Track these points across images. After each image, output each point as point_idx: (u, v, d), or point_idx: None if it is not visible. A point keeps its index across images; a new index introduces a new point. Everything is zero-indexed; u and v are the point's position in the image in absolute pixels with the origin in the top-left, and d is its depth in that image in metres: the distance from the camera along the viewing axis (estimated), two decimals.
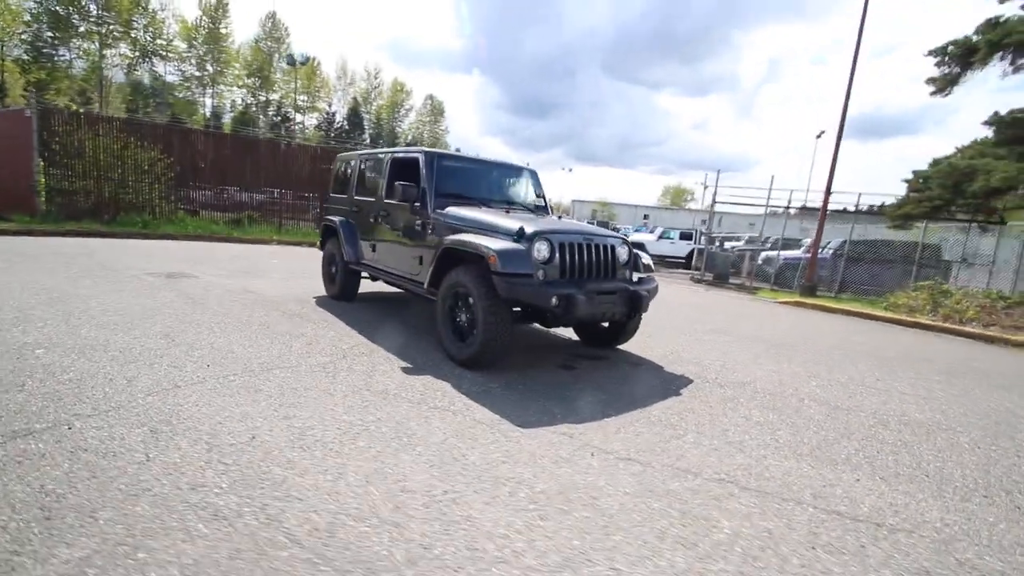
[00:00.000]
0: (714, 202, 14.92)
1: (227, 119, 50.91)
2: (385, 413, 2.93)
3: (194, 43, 45.84)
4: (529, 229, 3.75)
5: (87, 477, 2.03)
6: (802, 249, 15.75)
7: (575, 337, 5.20)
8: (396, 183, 4.57)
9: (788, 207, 14.70)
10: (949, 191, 9.73)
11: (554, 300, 3.49)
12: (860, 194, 15.17)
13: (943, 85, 9.97)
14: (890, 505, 2.40)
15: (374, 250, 5.36)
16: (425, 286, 4.33)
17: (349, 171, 6.07)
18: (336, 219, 6.04)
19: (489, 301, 3.62)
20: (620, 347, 4.93)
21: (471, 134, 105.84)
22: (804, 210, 18.95)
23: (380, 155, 5.48)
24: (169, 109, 43.97)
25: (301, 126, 55.35)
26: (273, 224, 14.63)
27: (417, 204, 4.57)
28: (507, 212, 4.54)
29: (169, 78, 46.59)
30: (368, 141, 59.63)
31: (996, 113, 8.87)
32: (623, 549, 1.89)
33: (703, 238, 16.10)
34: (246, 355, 3.75)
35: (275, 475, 2.17)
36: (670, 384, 3.99)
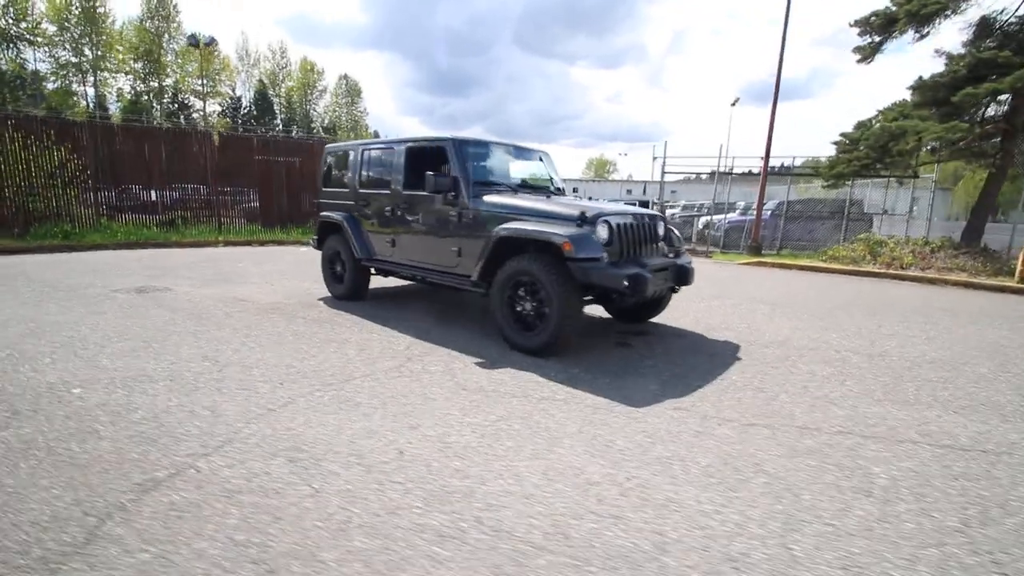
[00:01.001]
0: (663, 172, 15.57)
1: (115, 109, 45.41)
2: (502, 410, 2.89)
3: (66, 25, 40.09)
4: (589, 213, 3.77)
5: (271, 520, 1.86)
6: (737, 212, 16.89)
7: (603, 315, 5.32)
8: (428, 174, 4.38)
9: (731, 172, 15.60)
10: (877, 151, 10.79)
11: (625, 281, 3.56)
12: (794, 157, 16.35)
13: (868, 53, 10.98)
14: (978, 433, 2.75)
15: (393, 245, 5.13)
16: (474, 278, 4.23)
17: (347, 163, 5.71)
18: (337, 215, 5.69)
19: (563, 287, 3.63)
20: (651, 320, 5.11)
21: (387, 114, 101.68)
22: (724, 174, 20.25)
23: (390, 145, 5.20)
24: (44, 101, 38.41)
25: (202, 114, 50.58)
26: (211, 224, 13.44)
27: (451, 194, 4.41)
28: (548, 197, 4.51)
29: (40, 66, 40.62)
30: (280, 127, 55.76)
31: (920, 78, 9.93)
32: (820, 506, 2.04)
33: (655, 208, 16.79)
34: (310, 368, 3.52)
35: (457, 487, 2.10)
36: (724, 350, 4.22)
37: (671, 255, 4.54)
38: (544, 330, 3.76)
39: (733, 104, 35.64)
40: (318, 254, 6.20)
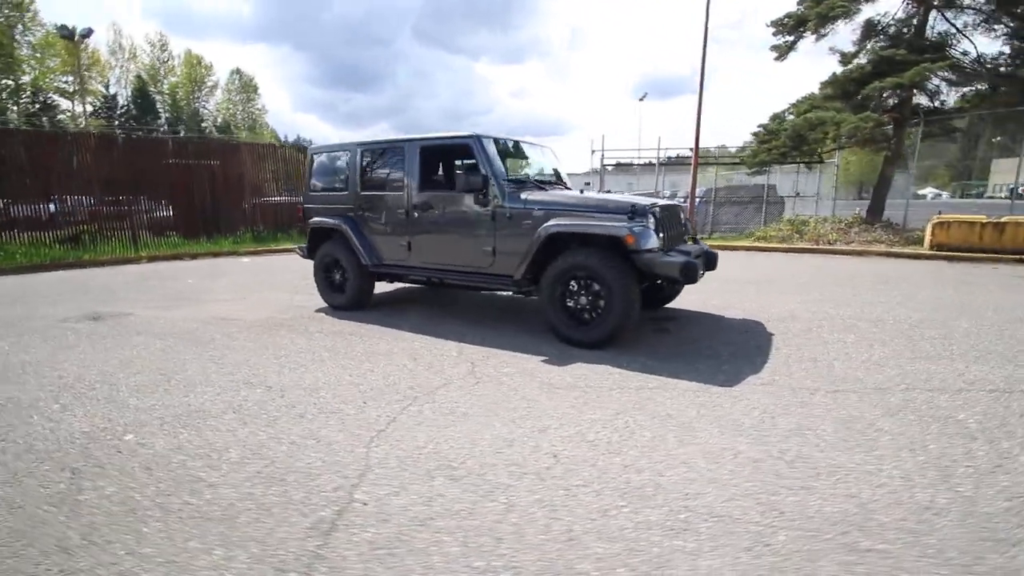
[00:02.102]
0: (603, 165, 16.19)
1: None
2: (612, 404, 2.91)
3: None
4: (639, 205, 3.87)
5: (494, 542, 1.75)
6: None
7: None
8: (459, 173, 4.24)
9: (672, 159, 16.56)
10: (795, 140, 12.02)
11: (679, 270, 3.71)
12: (723, 145, 17.65)
13: (783, 51, 12.16)
14: (1007, 378, 3.21)
15: (409, 249, 4.90)
16: (516, 277, 4.18)
17: (342, 165, 5.34)
18: (334, 220, 5.32)
19: (624, 280, 3.70)
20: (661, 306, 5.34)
21: (282, 111, 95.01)
22: (662, 164, 21.56)
23: (396, 144, 4.93)
24: None
25: (70, 114, 44.38)
26: (123, 239, 11.85)
27: (483, 193, 4.31)
28: (581, 192, 4.54)
29: None
30: (165, 126, 50.38)
31: (834, 74, 11.22)
32: (949, 453, 2.30)
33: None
34: (378, 384, 3.30)
35: (642, 481, 2.11)
36: (752, 328, 4.52)
37: (690, 242, 4.79)
38: (603, 323, 3.81)
39: (641, 99, 37.78)
40: (283, 262, 5.80)
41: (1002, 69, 11.13)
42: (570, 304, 4.00)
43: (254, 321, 5.06)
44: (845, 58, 12.85)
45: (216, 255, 11.40)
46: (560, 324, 4.02)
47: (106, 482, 2.16)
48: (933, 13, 11.40)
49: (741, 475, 2.14)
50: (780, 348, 3.88)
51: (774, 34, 12.28)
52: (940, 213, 10.08)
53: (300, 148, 14.63)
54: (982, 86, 11.41)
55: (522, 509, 1.93)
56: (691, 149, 14.38)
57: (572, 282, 3.93)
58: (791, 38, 11.99)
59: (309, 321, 5.04)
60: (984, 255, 8.38)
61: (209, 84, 54.90)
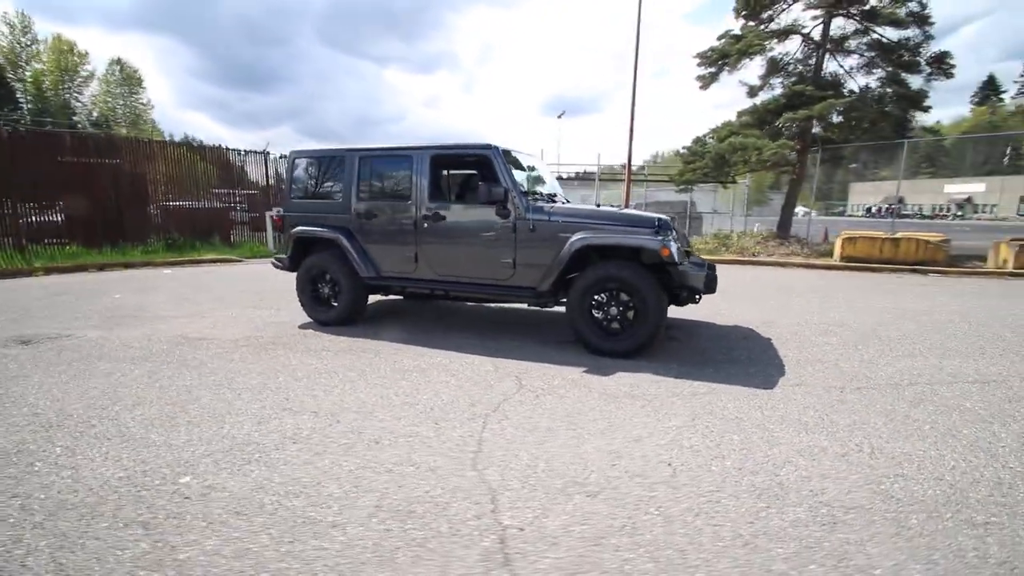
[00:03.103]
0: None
1: None
2: (681, 411, 3.01)
3: None
4: (661, 219, 4.06)
5: (678, 555, 1.76)
6: None
7: None
8: (482, 184, 4.17)
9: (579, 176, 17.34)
10: (718, 161, 13.21)
11: (704, 281, 3.95)
12: (645, 164, 18.83)
13: (707, 82, 13.36)
14: (977, 371, 3.78)
15: (416, 261, 4.70)
16: (542, 288, 4.18)
17: (334, 171, 5.00)
18: (324, 230, 4.97)
19: (656, 291, 3.85)
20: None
21: (165, 107, 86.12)
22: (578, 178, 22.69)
23: (404, 152, 4.72)
24: None
25: None
26: (2, 248, 10.06)
27: (503, 204, 4.27)
28: (598, 205, 4.65)
29: None
30: (27, 117, 43.59)
31: (754, 105, 12.52)
32: (1003, 435, 2.68)
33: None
34: (431, 403, 3.14)
35: (766, 483, 2.22)
36: (750, 335, 4.88)
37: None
38: (636, 333, 3.94)
39: (559, 116, 39.43)
40: (214, 275, 5.37)
41: (881, 106, 13.10)
42: (597, 315, 4.08)
43: (235, 340, 4.57)
44: (752, 91, 14.45)
45: (128, 266, 10.07)
46: (590, 335, 4.08)
47: (199, 535, 1.86)
48: (827, 56, 13.17)
49: (841, 468, 2.34)
50: (784, 352, 4.26)
51: (698, 65, 13.45)
52: (827, 230, 11.63)
53: (194, 147, 13.31)
54: (864, 122, 13.34)
55: (680, 519, 1.96)
56: (621, 165, 15.26)
57: (602, 294, 4.02)
58: (714, 70, 13.20)
59: (301, 338, 4.64)
60: (885, 266, 9.79)
61: (83, 74, 48.47)
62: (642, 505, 2.05)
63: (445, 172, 4.74)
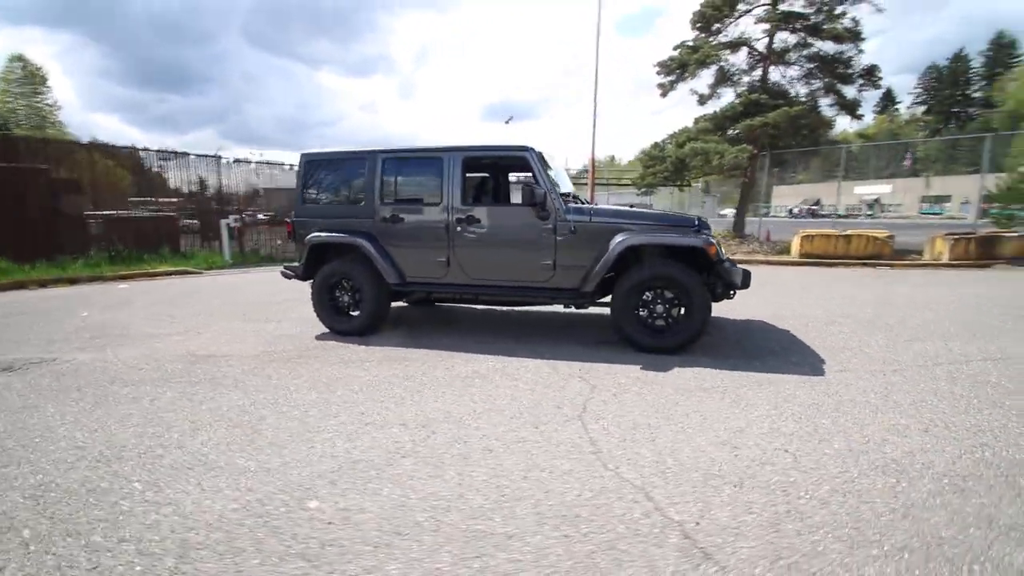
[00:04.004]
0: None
1: None
2: (757, 401, 3.12)
3: None
4: (700, 219, 4.21)
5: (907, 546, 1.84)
6: None
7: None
8: (524, 186, 4.15)
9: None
10: (677, 166, 13.86)
11: (742, 277, 4.14)
12: (605, 167, 19.29)
13: (667, 89, 13.99)
14: (980, 351, 4.19)
15: (448, 265, 4.59)
16: (587, 289, 4.20)
17: (354, 175, 4.78)
18: (345, 236, 4.74)
19: (703, 289, 3.99)
20: None
21: (72, 109, 78.59)
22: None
23: (431, 152, 4.59)
24: None
25: None
26: None
27: (543, 207, 4.26)
28: (631, 206, 4.73)
29: None
30: None
31: (714, 112, 13.21)
32: (1021, 405, 2.99)
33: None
34: (515, 408, 3.08)
35: (893, 459, 2.37)
36: (766, 327, 5.14)
37: None
38: (683, 329, 4.05)
39: (507, 122, 39.64)
40: (177, 288, 5.08)
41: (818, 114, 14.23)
42: (642, 313, 4.16)
43: (256, 355, 4.27)
44: (702, 99, 15.29)
45: (73, 282, 9.10)
46: (637, 333, 4.15)
47: (374, 559, 1.74)
48: (772, 67, 14.17)
49: (932, 442, 2.53)
50: (808, 342, 4.53)
51: (658, 73, 14.06)
52: (769, 231, 12.51)
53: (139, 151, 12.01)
54: (805, 129, 14.44)
55: (834, 500, 2.04)
56: (580, 170, 15.63)
57: (647, 292, 4.11)
58: (673, 78, 13.85)
59: (329, 350, 4.40)
60: (839, 261, 10.64)
61: None
62: (791, 491, 2.12)
63: (477, 174, 4.65)
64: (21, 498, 2.15)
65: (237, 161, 13.25)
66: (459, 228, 4.50)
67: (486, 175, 5.41)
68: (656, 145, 15.34)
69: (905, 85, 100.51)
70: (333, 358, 4.18)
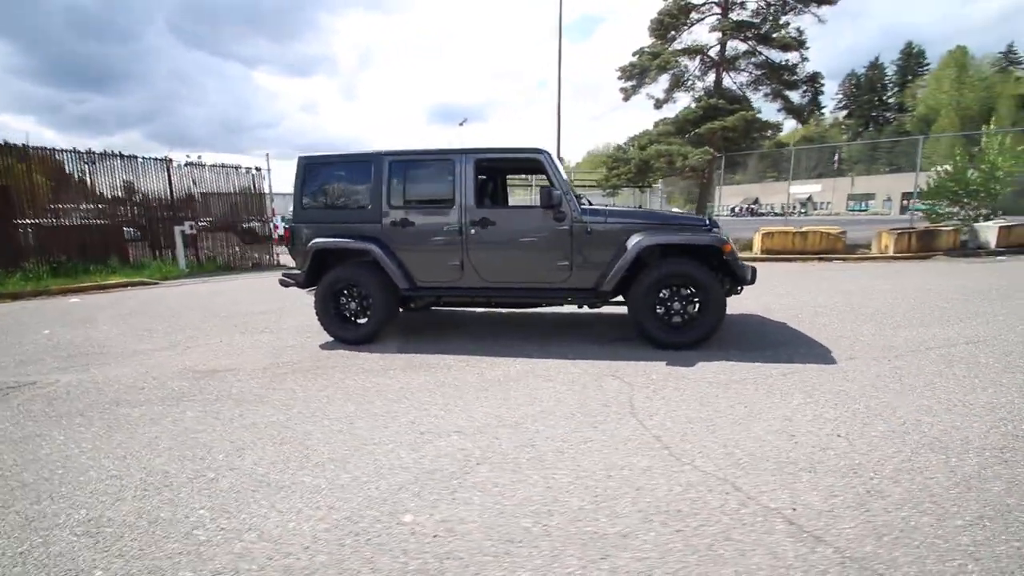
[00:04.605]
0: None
1: None
2: (795, 390, 3.29)
3: None
4: (711, 218, 4.38)
5: None
6: None
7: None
8: (543, 188, 4.17)
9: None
10: (641, 167, 14.31)
11: (751, 273, 4.34)
12: (571, 171, 19.56)
13: (629, 93, 14.41)
14: (960, 334, 4.58)
15: (462, 269, 4.53)
16: (606, 288, 4.26)
17: (362, 177, 4.63)
18: (352, 241, 4.59)
19: (718, 285, 4.15)
20: None
21: None
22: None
23: (442, 154, 4.52)
24: None
25: None
26: None
27: (559, 208, 4.30)
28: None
29: None
30: None
31: (675, 115, 13.72)
32: (1019, 382, 3.31)
33: None
34: (561, 410, 3.10)
35: (927, 441, 2.55)
36: (765, 321, 5.41)
37: None
38: (702, 325, 4.19)
39: (461, 124, 39.63)
40: (136, 300, 4.87)
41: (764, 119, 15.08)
42: (659, 311, 4.28)
43: (264, 368, 4.07)
44: (658, 103, 15.90)
45: (16, 297, 8.31)
46: (655, 330, 4.25)
47: (500, 570, 1.71)
48: (725, 73, 14.90)
49: (962, 420, 2.75)
50: (808, 332, 4.79)
51: (619, 78, 14.47)
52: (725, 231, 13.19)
53: (80, 155, 10.79)
54: (754, 131, 15.27)
55: (903, 480, 2.18)
56: None
57: (665, 290, 4.23)
58: (634, 82, 14.29)
59: (344, 359, 4.25)
60: (796, 256, 11.32)
61: None
62: (861, 472, 2.25)
63: (490, 177, 4.62)
64: (74, 536, 1.96)
65: (190, 164, 12.47)
66: (473, 231, 4.46)
67: (484, 177, 5.39)
68: (619, 148, 15.77)
69: (828, 91, 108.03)
70: (352, 367, 4.03)
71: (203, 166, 12.74)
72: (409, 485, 2.25)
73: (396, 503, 2.11)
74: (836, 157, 48.31)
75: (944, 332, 4.66)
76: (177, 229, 11.60)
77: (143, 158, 11.65)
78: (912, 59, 67.36)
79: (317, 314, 4.76)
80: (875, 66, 69.21)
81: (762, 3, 14.34)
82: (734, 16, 14.40)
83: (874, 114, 68.88)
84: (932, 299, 6.29)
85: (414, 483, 2.27)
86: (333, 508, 2.09)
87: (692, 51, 14.25)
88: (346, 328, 4.74)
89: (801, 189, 55.74)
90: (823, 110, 17.86)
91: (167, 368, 4.17)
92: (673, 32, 14.84)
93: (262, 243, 14.01)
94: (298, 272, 4.81)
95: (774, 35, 13.28)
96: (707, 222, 4.33)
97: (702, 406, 3.06)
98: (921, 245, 10.83)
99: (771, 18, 14.29)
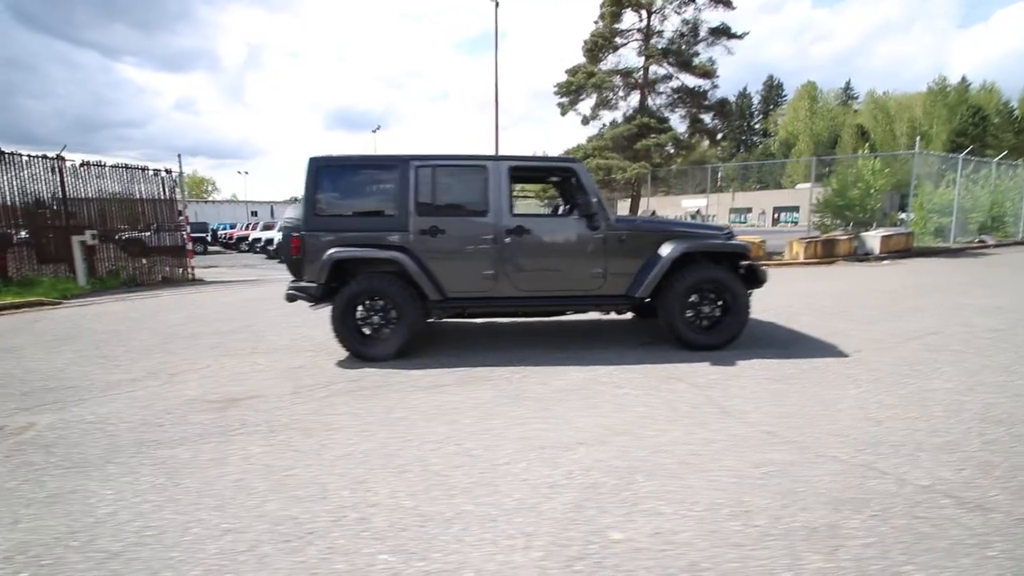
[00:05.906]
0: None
1: None
2: (828, 382, 3.63)
3: None
4: (728, 226, 4.72)
5: None
6: None
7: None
8: (581, 199, 4.24)
9: None
10: None
11: (766, 276, 4.74)
12: None
13: (565, 109, 14.99)
14: (943, 324, 5.36)
15: (496, 279, 4.41)
16: (640, 294, 4.39)
17: (386, 183, 4.33)
18: (378, 251, 4.28)
19: (744, 289, 4.47)
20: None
21: None
22: None
23: (474, 161, 4.36)
24: None
25: None
26: None
27: (594, 217, 4.38)
28: (654, 213, 5.03)
29: None
30: None
31: (615, 132, 14.47)
32: (1015, 365, 3.97)
33: None
34: (654, 415, 3.16)
35: (968, 417, 2.97)
36: (759, 322, 5.88)
37: None
38: (730, 326, 4.48)
39: (375, 131, 38.48)
40: (77, 317, 4.52)
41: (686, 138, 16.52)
42: (689, 315, 4.51)
43: (294, 394, 3.66)
44: (584, 120, 16.77)
45: None
46: (687, 332, 4.46)
47: (761, 568, 1.72)
48: (648, 95, 16.09)
49: (989, 395, 3.24)
50: (805, 329, 5.29)
51: (555, 94, 15.02)
52: None
53: None
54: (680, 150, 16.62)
55: (960, 456, 2.52)
56: None
57: (695, 294, 4.47)
58: (570, 99, 14.91)
59: (383, 378, 3.93)
60: None
61: None
62: (962, 446, 2.57)
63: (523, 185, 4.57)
64: None
65: (87, 164, 10.72)
66: (508, 239, 4.38)
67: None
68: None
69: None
70: (401, 386, 3.75)
71: (103, 166, 11.05)
72: (582, 503, 2.17)
73: (587, 522, 2.02)
74: (719, 175, 53.93)
75: (905, 326, 5.40)
76: (76, 239, 9.92)
77: (28, 156, 9.83)
78: (773, 90, 77.53)
79: (335, 331, 4.35)
80: (743, 95, 78.41)
81: (677, 33, 15.77)
82: (654, 43, 15.64)
83: (743, 138, 77.90)
84: (869, 299, 7.23)
85: (586, 500, 2.18)
86: (529, 535, 1.95)
87: (624, 72, 15.24)
88: (370, 344, 4.40)
89: (691, 203, 61.57)
90: (724, 132, 19.93)
91: (169, 400, 3.57)
92: (602, 54, 15.75)
93: (174, 255, 12.42)
94: (310, 285, 4.37)
95: (694, 63, 14.66)
96: (727, 231, 4.66)
97: (778, 401, 3.28)
98: (825, 252, 12.46)
99: (685, 47, 15.73)
